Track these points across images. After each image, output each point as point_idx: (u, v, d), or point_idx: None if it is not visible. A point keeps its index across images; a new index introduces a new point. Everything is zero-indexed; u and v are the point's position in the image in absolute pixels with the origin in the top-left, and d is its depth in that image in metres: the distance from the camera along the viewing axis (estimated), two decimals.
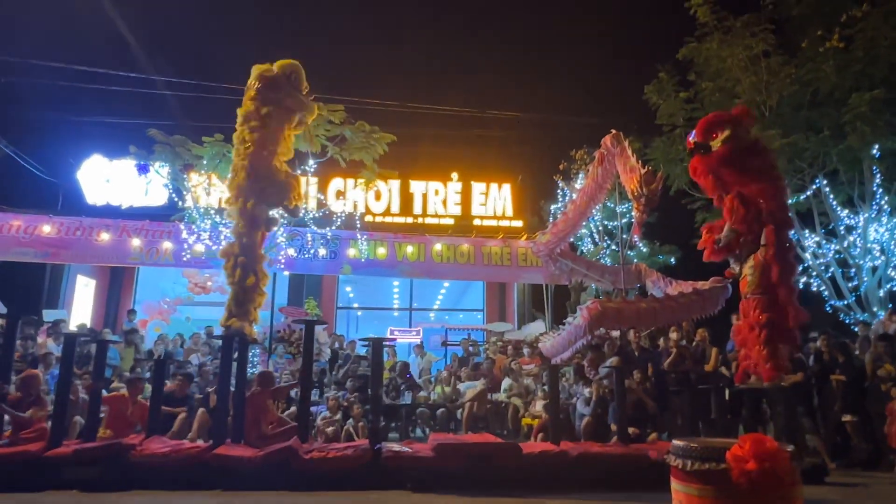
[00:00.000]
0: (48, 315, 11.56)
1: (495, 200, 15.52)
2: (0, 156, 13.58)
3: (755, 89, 12.29)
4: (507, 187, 15.61)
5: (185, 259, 12.14)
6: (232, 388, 6.64)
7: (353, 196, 14.36)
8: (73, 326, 11.64)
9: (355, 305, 18.84)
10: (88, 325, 12.93)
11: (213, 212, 11.05)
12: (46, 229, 12.50)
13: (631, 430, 6.89)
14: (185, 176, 10.75)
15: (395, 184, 14.76)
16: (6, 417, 6.34)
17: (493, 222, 15.35)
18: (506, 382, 9.36)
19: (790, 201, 10.46)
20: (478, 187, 15.50)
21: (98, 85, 11.29)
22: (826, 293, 12.47)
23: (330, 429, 7.65)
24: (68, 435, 6.78)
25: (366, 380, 8.88)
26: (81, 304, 14.35)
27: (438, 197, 15.31)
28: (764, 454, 2.65)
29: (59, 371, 6.55)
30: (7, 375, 6.56)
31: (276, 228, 10.49)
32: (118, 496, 5.24)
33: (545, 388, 8.00)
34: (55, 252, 12.57)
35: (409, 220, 15.00)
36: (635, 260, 14.20)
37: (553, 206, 15.88)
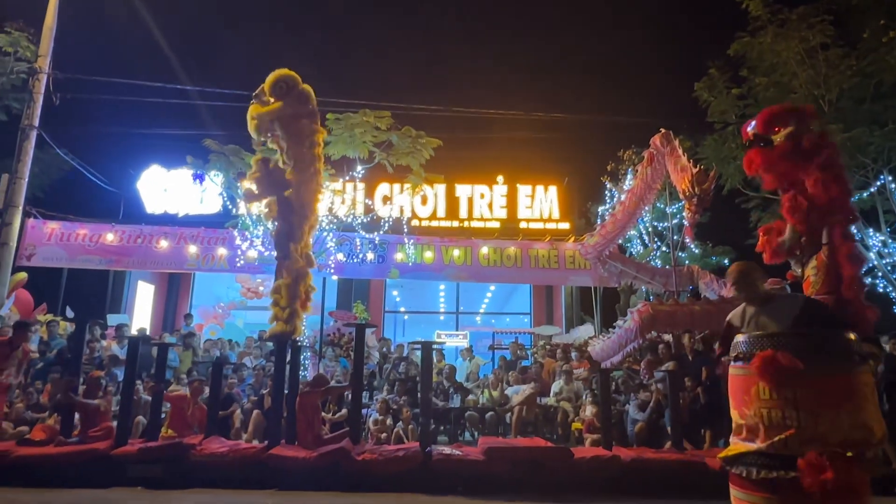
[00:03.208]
0: (111, 319, 12.09)
1: (542, 203, 15.38)
2: (67, 169, 14.30)
3: (813, 83, 11.85)
4: (553, 189, 15.46)
5: (238, 265, 12.49)
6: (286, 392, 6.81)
7: (399, 201, 14.44)
8: (133, 331, 12.13)
9: (402, 309, 18.95)
10: (147, 330, 13.46)
11: (264, 218, 11.31)
12: (110, 237, 13.08)
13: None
14: (238, 184, 11.06)
15: (441, 188, 14.84)
16: (76, 416, 6.67)
17: (540, 225, 15.21)
18: (556, 386, 9.24)
19: (852, 199, 10.01)
20: (524, 190, 15.41)
21: (156, 98, 11.82)
22: (893, 294, 11.87)
23: (383, 434, 7.71)
24: (132, 434, 7.08)
25: (414, 382, 8.94)
26: (141, 309, 14.96)
27: (484, 200, 15.29)
28: (841, 463, 2.51)
29: (124, 373, 6.85)
30: (77, 374, 6.90)
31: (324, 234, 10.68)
32: (180, 493, 5.43)
33: (595, 391, 7.87)
34: (118, 259, 13.14)
35: (456, 223, 15.04)
36: (687, 262, 13.86)
37: (601, 208, 15.67)
